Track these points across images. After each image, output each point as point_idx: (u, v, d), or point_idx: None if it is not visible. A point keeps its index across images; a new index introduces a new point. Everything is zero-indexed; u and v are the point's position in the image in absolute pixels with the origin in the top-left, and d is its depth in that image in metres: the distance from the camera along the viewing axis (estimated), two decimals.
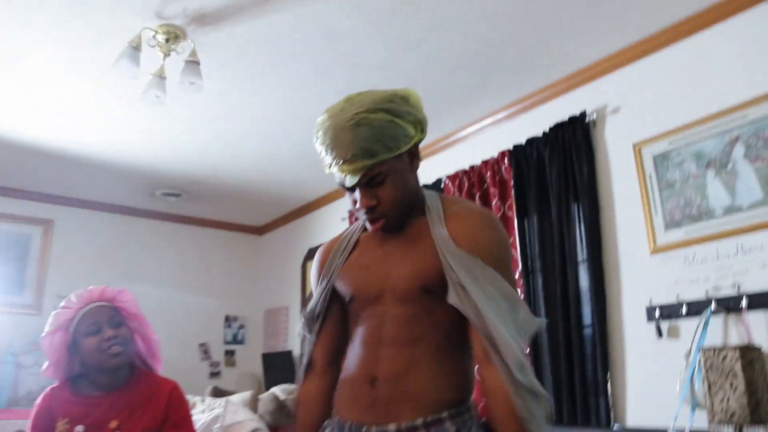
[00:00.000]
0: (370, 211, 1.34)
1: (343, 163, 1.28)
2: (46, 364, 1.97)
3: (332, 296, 1.49)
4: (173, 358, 4.53)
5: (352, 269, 1.45)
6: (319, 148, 1.34)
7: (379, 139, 1.26)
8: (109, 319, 1.96)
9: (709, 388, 2.20)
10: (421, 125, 1.37)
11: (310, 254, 5.60)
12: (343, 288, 1.46)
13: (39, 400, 1.95)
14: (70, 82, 3.36)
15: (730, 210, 2.62)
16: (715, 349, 2.22)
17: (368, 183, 1.31)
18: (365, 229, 1.49)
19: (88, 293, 2.00)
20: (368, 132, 1.26)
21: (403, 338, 1.32)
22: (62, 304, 1.99)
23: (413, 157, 1.38)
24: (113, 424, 1.89)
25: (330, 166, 1.33)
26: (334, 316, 1.51)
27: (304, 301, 5.61)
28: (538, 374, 3.19)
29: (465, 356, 1.37)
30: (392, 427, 1.26)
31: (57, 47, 3.02)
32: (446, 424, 1.27)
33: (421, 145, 3.88)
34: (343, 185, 1.34)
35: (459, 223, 1.35)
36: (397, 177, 1.33)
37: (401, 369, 1.30)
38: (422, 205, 1.42)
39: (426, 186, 4.18)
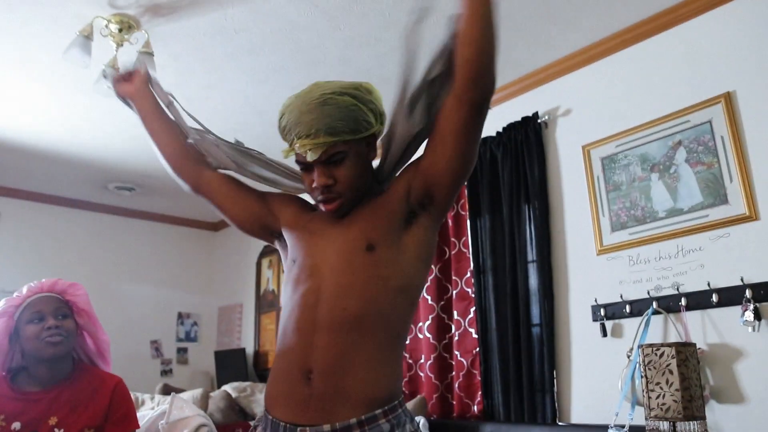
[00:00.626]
0: (326, 190, 1.35)
1: (306, 137, 1.32)
2: None
3: (266, 214, 1.54)
4: (124, 355, 4.46)
5: (302, 229, 1.45)
6: (283, 126, 1.37)
7: (342, 119, 1.31)
8: (54, 309, 1.92)
9: (647, 384, 2.27)
10: (381, 118, 1.42)
11: (265, 251, 5.57)
12: (293, 245, 1.44)
13: None
14: (21, 70, 3.27)
15: (672, 212, 2.71)
16: (653, 347, 2.29)
17: (327, 161, 1.34)
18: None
19: (39, 284, 1.97)
20: (333, 110, 1.30)
21: (340, 321, 1.27)
22: (15, 293, 1.95)
23: (370, 147, 1.42)
24: (53, 420, 1.84)
25: (291, 143, 1.35)
26: (240, 195, 1.58)
27: (259, 296, 5.58)
28: (488, 372, 3.25)
29: (400, 346, 1.35)
30: (327, 427, 1.22)
31: (5, 34, 2.94)
32: (381, 422, 1.24)
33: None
34: (302, 163, 1.37)
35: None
36: (356, 160, 1.36)
37: (338, 360, 1.25)
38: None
39: None
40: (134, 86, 1.77)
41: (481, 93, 1.29)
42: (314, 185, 1.36)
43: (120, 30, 2.86)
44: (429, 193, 1.35)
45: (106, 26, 2.84)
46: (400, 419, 1.27)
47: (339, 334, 1.27)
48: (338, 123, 1.31)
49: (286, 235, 1.49)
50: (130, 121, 3.90)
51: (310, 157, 1.32)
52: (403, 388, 1.39)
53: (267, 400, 1.35)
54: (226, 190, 1.59)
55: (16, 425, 1.81)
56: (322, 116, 1.30)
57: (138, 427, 2.03)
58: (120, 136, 4.16)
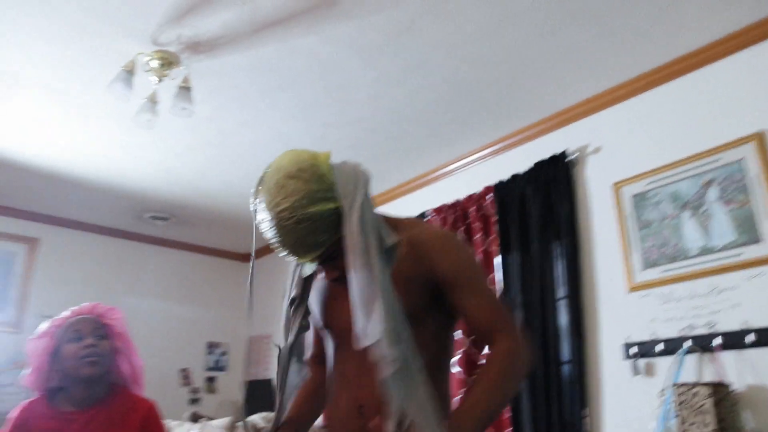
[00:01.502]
0: (336, 281, 1.40)
1: (296, 257, 1.34)
2: (28, 369, 1.99)
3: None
4: (153, 382, 4.50)
5: (319, 300, 1.50)
6: (266, 234, 1.35)
7: (323, 230, 1.30)
8: (92, 330, 1.99)
9: (682, 424, 2.22)
10: (365, 184, 1.41)
11: None
12: (316, 316, 1.51)
13: (15, 412, 1.94)
14: (63, 102, 3.40)
15: (705, 251, 2.68)
16: (686, 386, 2.25)
17: (326, 260, 1.37)
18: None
19: (80, 307, 2.05)
20: (311, 227, 1.28)
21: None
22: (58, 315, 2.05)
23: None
24: None
25: (285, 257, 1.36)
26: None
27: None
28: (517, 409, 3.20)
29: (445, 377, 1.42)
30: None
31: (52, 68, 3.06)
32: None
33: (407, 178, 3.90)
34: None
35: (433, 251, 1.40)
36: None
37: (384, 396, 1.30)
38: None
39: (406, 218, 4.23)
40: None
41: None
42: (323, 278, 1.42)
43: (161, 65, 2.96)
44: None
45: (148, 62, 2.95)
46: None
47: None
48: (320, 236, 1.30)
49: (311, 304, 1.55)
50: (165, 153, 4.02)
51: (309, 269, 1.38)
52: None
53: (327, 425, 1.47)
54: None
55: None
56: (303, 237, 1.29)
57: None
58: (155, 167, 4.27)
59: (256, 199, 1.35)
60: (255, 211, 1.36)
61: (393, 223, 1.48)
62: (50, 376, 1.98)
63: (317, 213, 1.28)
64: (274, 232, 1.31)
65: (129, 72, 2.90)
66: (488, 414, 1.25)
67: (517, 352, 1.31)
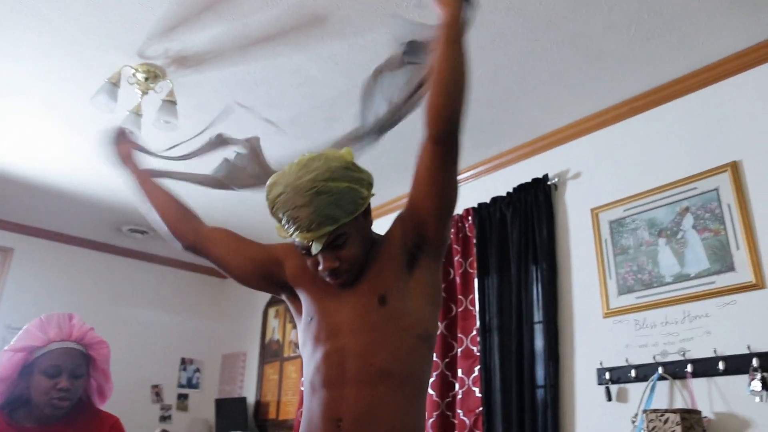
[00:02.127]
0: (334, 273, 1.39)
1: (307, 231, 1.31)
2: None
3: (271, 267, 1.56)
4: (124, 397, 4.43)
5: (311, 285, 1.48)
6: (272, 210, 1.36)
7: (339, 205, 1.32)
8: (72, 369, 1.87)
9: None
10: (371, 186, 1.44)
11: (272, 301, 5.58)
12: (306, 301, 1.48)
13: None
14: (44, 112, 3.38)
15: (679, 278, 2.73)
16: (657, 412, 2.27)
17: (330, 245, 1.35)
18: None
19: (69, 327, 1.91)
20: (329, 199, 1.30)
21: (368, 375, 1.33)
22: (40, 322, 1.91)
23: (367, 216, 1.45)
24: None
25: (291, 234, 1.36)
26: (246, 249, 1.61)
27: (264, 345, 5.56)
28: None
29: (424, 393, 1.41)
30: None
31: (34, 78, 3.05)
32: None
33: (389, 199, 3.94)
34: (304, 249, 1.38)
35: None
36: (358, 236, 1.39)
37: (367, 410, 1.31)
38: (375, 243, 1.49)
39: None
40: (129, 152, 1.89)
41: (447, 130, 1.34)
42: (320, 268, 1.38)
43: (146, 79, 2.96)
44: (420, 233, 1.41)
45: (134, 75, 2.95)
46: None
47: (368, 387, 1.33)
48: (336, 211, 1.31)
49: (295, 288, 1.53)
50: (147, 166, 4.00)
51: (315, 249, 1.34)
52: None
53: None
54: (227, 242, 1.63)
55: None
56: (320, 207, 1.29)
57: None
58: None
59: (272, 188, 1.36)
60: (272, 200, 1.36)
61: (377, 238, 1.51)
62: (14, 388, 1.87)
63: (337, 188, 1.31)
64: (291, 204, 1.30)
65: (114, 84, 2.90)
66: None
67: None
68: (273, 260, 1.56)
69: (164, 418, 5.69)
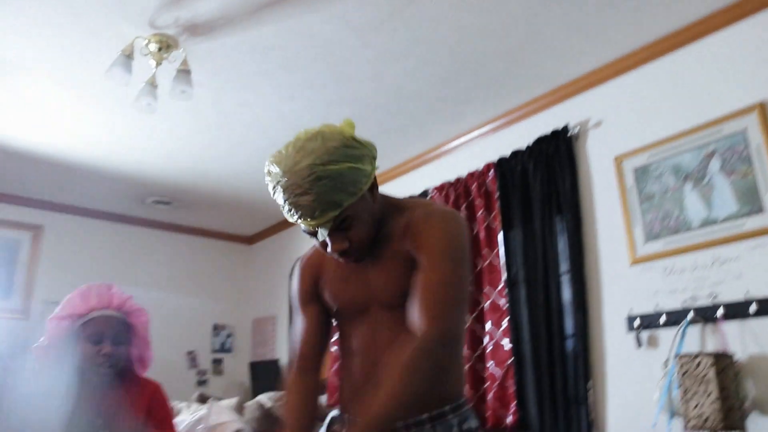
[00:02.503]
0: (344, 253, 1.37)
1: (311, 219, 1.28)
2: (42, 340, 1.96)
3: (316, 299, 1.53)
4: (160, 366, 4.55)
5: (333, 282, 1.49)
6: (273, 195, 1.33)
7: (341, 189, 1.27)
8: (114, 334, 1.95)
9: (684, 394, 2.25)
10: (375, 159, 1.38)
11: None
12: (329, 299, 1.50)
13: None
14: (62, 88, 3.40)
15: (707, 222, 2.69)
16: (689, 356, 2.27)
17: (337, 228, 1.32)
18: None
19: (109, 296, 1.99)
20: (330, 184, 1.25)
21: (397, 339, 1.34)
22: (81, 291, 1.98)
23: (373, 191, 1.39)
24: (98, 422, 1.91)
25: (295, 221, 1.33)
26: (314, 312, 1.53)
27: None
28: (521, 383, 3.24)
29: (460, 349, 1.43)
30: (400, 423, 1.32)
31: (50, 53, 3.06)
32: (449, 417, 1.37)
33: (408, 157, 3.89)
34: (310, 234, 1.36)
35: (418, 229, 1.38)
36: (364, 215, 1.34)
37: None
38: (392, 215, 1.44)
39: (411, 197, 4.24)
40: None
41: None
42: (329, 250, 1.36)
43: (159, 49, 2.95)
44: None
45: (146, 45, 2.94)
46: (465, 416, 1.40)
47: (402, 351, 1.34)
48: (338, 195, 1.26)
49: (324, 290, 1.52)
50: (166, 137, 4.02)
51: (321, 235, 1.32)
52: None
53: (342, 403, 1.47)
54: (314, 332, 1.55)
55: None
56: (321, 193, 1.25)
57: (175, 431, 2.08)
58: (157, 152, 4.27)
59: (271, 172, 1.31)
60: (271, 185, 1.31)
61: (396, 203, 1.47)
62: (62, 356, 1.98)
63: (337, 170, 1.25)
64: (291, 192, 1.26)
65: (128, 56, 2.89)
66: (390, 421, 1.22)
67: (429, 352, 1.25)
68: (314, 288, 1.54)
69: (201, 383, 5.84)
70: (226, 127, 3.89)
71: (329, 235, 1.33)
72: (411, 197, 1.55)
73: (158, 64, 3.00)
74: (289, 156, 1.27)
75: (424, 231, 1.35)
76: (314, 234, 1.35)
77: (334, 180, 1.25)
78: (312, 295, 1.54)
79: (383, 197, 1.46)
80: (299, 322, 1.55)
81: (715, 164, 2.70)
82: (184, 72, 3.00)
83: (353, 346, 1.45)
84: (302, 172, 1.24)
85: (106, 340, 1.93)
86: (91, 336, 1.92)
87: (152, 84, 3.07)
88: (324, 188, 1.24)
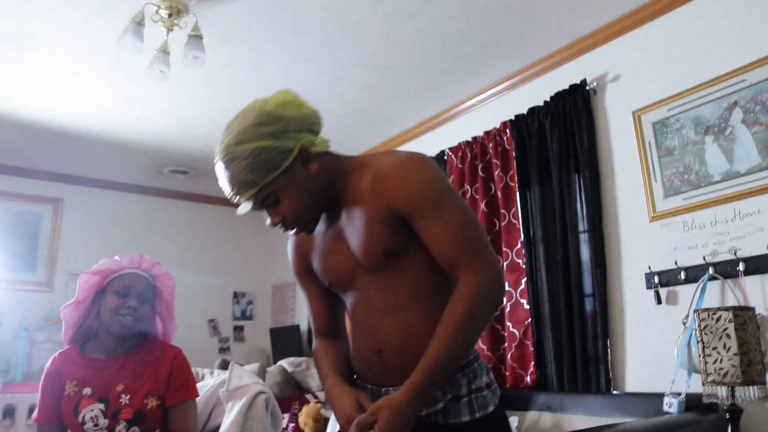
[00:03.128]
0: (281, 226, 1.36)
1: (231, 197, 1.33)
2: (71, 301, 2.03)
3: (311, 275, 1.54)
4: (183, 333, 4.62)
5: (318, 257, 1.47)
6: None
7: (252, 169, 1.27)
8: (140, 291, 2.03)
9: (703, 349, 2.23)
10: (303, 127, 1.33)
11: None
12: (319, 276, 1.49)
13: (48, 363, 2.01)
14: (76, 59, 3.39)
15: (728, 175, 2.64)
16: (709, 311, 2.24)
17: (263, 204, 1.33)
18: None
19: (140, 259, 2.08)
20: (240, 165, 1.27)
21: (393, 306, 1.35)
22: (117, 257, 2.08)
23: (306, 163, 1.34)
24: (119, 387, 1.94)
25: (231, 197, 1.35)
26: (315, 285, 1.55)
27: None
28: (540, 343, 3.24)
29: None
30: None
31: (61, 25, 3.05)
32: (457, 376, 1.33)
33: (425, 117, 3.81)
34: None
35: (389, 182, 1.33)
36: (292, 189, 1.32)
37: (402, 338, 1.33)
38: (353, 176, 1.39)
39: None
40: None
41: None
42: (270, 224, 1.37)
43: (170, 15, 2.93)
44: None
45: (157, 12, 2.92)
46: (476, 372, 1.37)
47: (396, 314, 1.34)
48: (249, 175, 1.27)
49: (313, 266, 1.52)
50: (181, 104, 4.02)
51: (242, 210, 1.33)
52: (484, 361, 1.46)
53: (355, 371, 1.47)
54: (323, 299, 1.57)
55: (87, 390, 1.93)
56: (233, 174, 1.28)
57: (197, 395, 2.12)
58: (172, 121, 4.27)
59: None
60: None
61: (356, 162, 1.42)
62: (87, 312, 2.03)
63: (246, 151, 1.26)
64: (217, 172, 1.33)
65: (138, 23, 2.87)
66: (445, 367, 1.24)
67: (481, 290, 1.25)
68: (305, 264, 1.55)
69: (223, 350, 5.93)
70: (240, 93, 3.87)
71: (261, 210, 1.35)
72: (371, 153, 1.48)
73: (169, 30, 2.98)
74: (222, 133, 1.33)
75: (400, 184, 1.30)
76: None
77: (243, 160, 1.26)
78: (305, 273, 1.55)
79: (337, 160, 1.40)
80: (306, 299, 1.59)
81: (737, 115, 2.63)
82: (196, 37, 2.98)
83: (353, 317, 1.44)
84: (221, 153, 1.30)
85: (133, 294, 2.00)
86: (119, 290, 2.00)
87: (164, 51, 3.05)
88: (236, 169, 1.27)
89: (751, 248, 2.53)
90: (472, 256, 1.27)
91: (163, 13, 2.92)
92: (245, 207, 1.33)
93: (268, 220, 1.35)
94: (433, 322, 1.29)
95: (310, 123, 1.35)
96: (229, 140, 1.29)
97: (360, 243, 1.34)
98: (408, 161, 1.33)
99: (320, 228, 1.45)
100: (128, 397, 1.94)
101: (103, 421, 1.90)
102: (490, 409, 1.36)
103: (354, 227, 1.36)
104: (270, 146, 1.27)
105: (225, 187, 1.32)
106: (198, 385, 2.21)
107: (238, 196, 1.31)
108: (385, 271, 1.35)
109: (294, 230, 1.38)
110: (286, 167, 1.30)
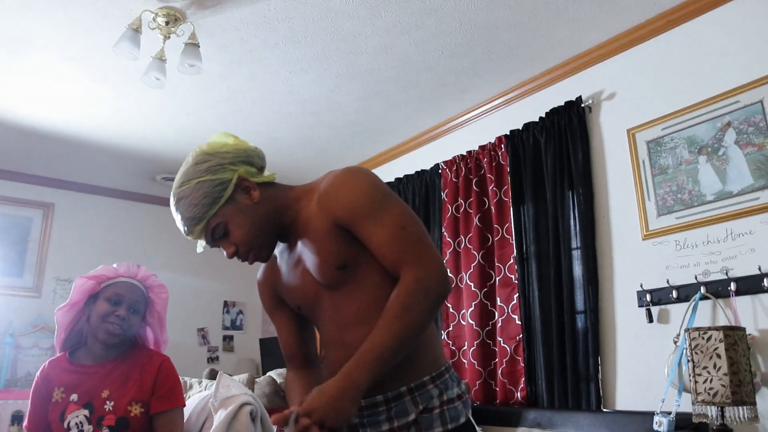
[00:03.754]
0: (237, 256, 1.42)
1: (186, 234, 1.41)
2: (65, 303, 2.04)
3: (279, 304, 1.57)
4: (172, 342, 4.58)
5: (284, 284, 1.51)
6: None
7: (196, 204, 1.35)
8: (132, 302, 2.04)
9: (694, 368, 2.23)
10: (238, 159, 1.40)
11: None
12: (288, 302, 1.53)
13: (39, 371, 2.03)
14: (71, 64, 3.39)
15: (721, 195, 2.65)
16: (700, 330, 2.25)
17: (214, 237, 1.41)
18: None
19: (136, 269, 2.11)
20: (186, 203, 1.37)
21: (358, 317, 1.36)
22: (115, 265, 2.10)
23: (246, 192, 1.40)
24: (105, 393, 1.95)
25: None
26: (284, 316, 1.57)
27: None
28: (531, 358, 3.24)
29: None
30: (380, 398, 1.33)
31: (58, 29, 3.04)
32: (429, 387, 1.34)
33: (418, 132, 3.84)
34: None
35: (329, 198, 1.36)
36: (238, 218, 1.39)
37: None
38: (302, 203, 1.43)
39: (422, 171, 4.22)
40: None
41: None
42: (227, 256, 1.44)
43: (167, 23, 2.93)
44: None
45: (154, 19, 2.92)
46: (447, 383, 1.37)
47: (362, 327, 1.34)
48: (194, 210, 1.36)
49: (282, 296, 1.55)
50: (176, 112, 4.01)
51: (200, 247, 1.44)
52: (455, 372, 1.46)
53: None
54: (290, 326, 1.60)
55: (74, 397, 1.94)
56: (182, 213, 1.38)
57: (183, 404, 2.10)
58: (166, 127, 4.26)
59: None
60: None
61: (304, 188, 1.47)
62: (79, 316, 2.04)
63: (188, 189, 1.37)
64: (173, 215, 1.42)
65: (135, 30, 2.87)
66: (385, 357, 1.24)
67: (420, 284, 1.27)
68: (274, 295, 1.58)
69: (212, 359, 5.89)
70: (235, 101, 3.87)
71: (214, 245, 1.43)
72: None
73: (166, 38, 2.98)
74: None
75: (338, 196, 1.34)
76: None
77: (187, 198, 1.36)
78: (274, 304, 1.58)
79: (284, 189, 1.46)
80: (276, 331, 1.62)
81: (730, 136, 2.65)
82: (193, 45, 2.98)
83: (324, 335, 1.46)
84: (172, 198, 1.41)
85: (124, 303, 2.02)
86: (111, 297, 2.01)
87: (161, 58, 3.05)
88: (183, 207, 1.37)
89: (742, 268, 2.54)
90: (412, 255, 1.30)
91: (161, 20, 2.92)
92: (201, 244, 1.43)
93: (224, 253, 1.42)
94: None
95: (246, 156, 1.43)
96: (176, 184, 1.39)
97: (313, 262, 1.38)
98: (342, 174, 1.38)
99: (284, 257, 1.50)
100: (112, 403, 1.93)
101: (88, 427, 1.89)
102: (462, 420, 1.36)
103: (307, 249, 1.40)
104: (208, 180, 1.36)
105: (179, 226, 1.41)
106: (188, 394, 2.19)
107: (190, 234, 1.40)
108: (344, 285, 1.37)
109: (249, 259, 1.43)
110: (228, 197, 1.38)
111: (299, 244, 1.43)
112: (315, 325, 1.52)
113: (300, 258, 1.43)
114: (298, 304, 1.48)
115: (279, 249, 1.52)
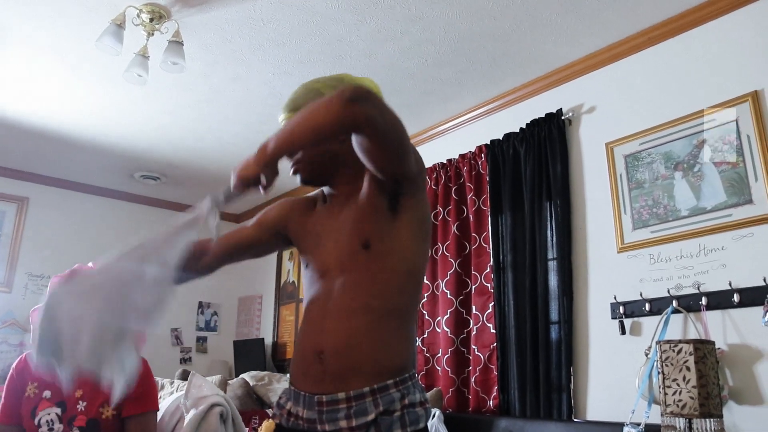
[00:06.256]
0: (293, 170, 1.50)
1: (283, 110, 1.51)
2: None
3: (261, 228, 1.63)
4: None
5: (307, 234, 1.52)
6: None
7: (305, 99, 1.44)
8: None
9: (664, 380, 2.26)
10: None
11: None
12: (302, 251, 1.53)
13: (13, 365, 2.02)
14: (51, 58, 3.35)
15: (695, 211, 2.70)
16: (670, 343, 2.28)
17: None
18: (324, 200, 1.56)
19: None
20: (301, 91, 1.49)
21: (347, 308, 1.36)
22: (90, 263, 2.03)
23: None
24: (78, 393, 1.93)
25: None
26: (252, 236, 1.65)
27: (279, 288, 5.63)
28: (505, 367, 3.26)
29: (409, 324, 1.43)
30: (341, 395, 1.33)
31: (39, 22, 3.01)
32: (391, 391, 1.34)
33: (430, 124, 3.72)
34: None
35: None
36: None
37: (345, 343, 1.35)
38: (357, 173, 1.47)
39: None
40: None
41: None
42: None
43: (151, 19, 2.91)
44: (391, 183, 1.39)
45: (138, 15, 2.90)
46: (410, 389, 1.37)
47: (347, 319, 1.36)
48: (300, 100, 1.45)
49: (294, 241, 1.58)
50: (157, 110, 3.98)
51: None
52: (420, 381, 1.48)
53: (291, 377, 1.47)
54: (232, 235, 1.71)
55: (47, 394, 1.92)
56: (292, 97, 1.49)
57: (157, 408, 2.08)
58: (147, 126, 4.23)
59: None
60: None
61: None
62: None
63: (312, 86, 1.48)
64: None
65: (118, 25, 2.85)
66: (298, 123, 1.30)
67: (334, 97, 1.29)
68: (278, 217, 1.62)
69: (184, 360, 5.83)
70: (217, 102, 3.85)
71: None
72: None
73: (150, 35, 2.96)
74: None
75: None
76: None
77: (305, 90, 1.49)
78: (268, 223, 1.63)
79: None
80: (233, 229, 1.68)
81: (705, 153, 2.70)
82: (176, 43, 2.97)
83: (308, 311, 1.45)
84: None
85: None
86: None
87: (143, 55, 3.03)
88: (296, 95, 1.50)
89: (714, 283, 2.58)
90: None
91: (145, 17, 2.91)
92: (281, 123, 1.47)
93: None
94: (379, 341, 1.34)
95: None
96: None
97: (348, 228, 1.41)
98: None
99: (322, 211, 1.52)
100: (84, 404, 1.90)
101: (58, 426, 1.86)
102: (421, 425, 1.36)
103: (348, 217, 1.43)
104: (327, 92, 1.40)
105: (285, 102, 1.50)
106: (160, 395, 2.17)
107: (283, 114, 1.50)
108: (354, 270, 1.38)
109: (294, 166, 1.48)
110: None
111: (342, 212, 1.46)
112: (307, 294, 1.49)
113: (337, 224, 1.45)
114: (309, 261, 1.49)
115: (321, 205, 1.55)
